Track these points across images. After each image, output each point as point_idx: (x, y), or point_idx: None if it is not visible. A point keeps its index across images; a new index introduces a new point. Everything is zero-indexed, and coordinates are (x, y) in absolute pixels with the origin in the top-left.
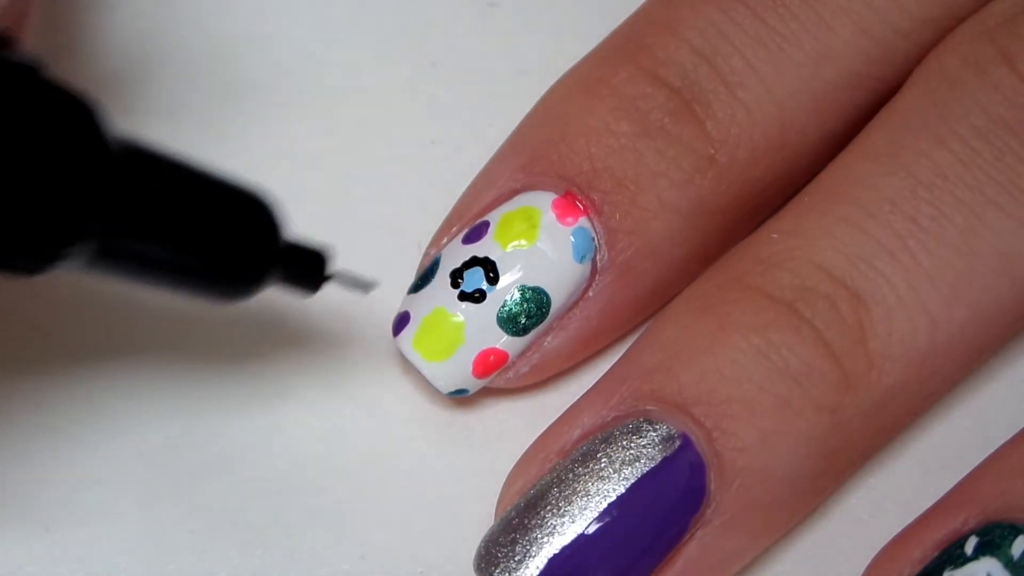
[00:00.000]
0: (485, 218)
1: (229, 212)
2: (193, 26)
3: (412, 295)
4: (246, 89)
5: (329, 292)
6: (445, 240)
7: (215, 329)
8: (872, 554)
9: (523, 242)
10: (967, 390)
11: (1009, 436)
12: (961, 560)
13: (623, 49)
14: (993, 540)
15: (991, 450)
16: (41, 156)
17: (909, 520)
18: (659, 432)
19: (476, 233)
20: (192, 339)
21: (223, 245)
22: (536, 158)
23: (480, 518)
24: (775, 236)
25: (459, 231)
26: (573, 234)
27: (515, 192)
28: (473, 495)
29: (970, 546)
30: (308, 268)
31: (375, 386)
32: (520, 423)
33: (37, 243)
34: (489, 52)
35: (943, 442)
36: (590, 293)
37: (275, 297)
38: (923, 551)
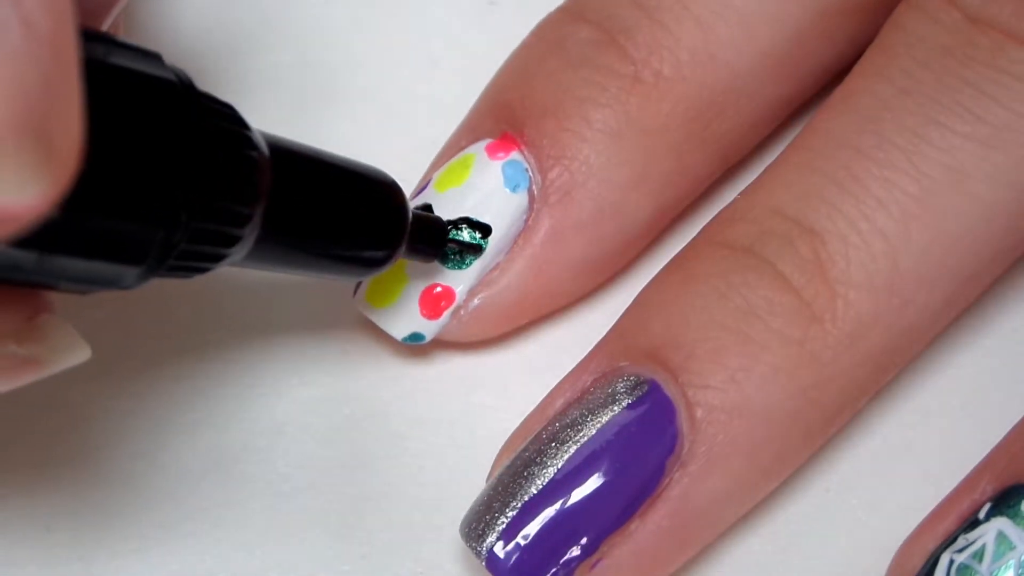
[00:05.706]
0: (430, 177)
1: (365, 194)
2: (192, 26)
3: None
4: (246, 89)
5: (328, 294)
6: None
7: (215, 330)
8: (872, 554)
9: (458, 184)
10: (968, 390)
11: None
12: (974, 524)
13: (559, 7)
14: (1006, 501)
15: (991, 450)
16: (218, 160)
17: (909, 520)
18: (628, 381)
19: (419, 192)
20: (192, 341)
21: (364, 225)
22: (477, 115)
23: None
24: (739, 196)
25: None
26: (504, 166)
27: (461, 151)
28: (473, 495)
29: (984, 511)
30: (431, 236)
31: (375, 386)
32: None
33: (219, 234)
34: (489, 52)
35: (943, 442)
36: (531, 222)
37: (275, 299)
38: (946, 526)
